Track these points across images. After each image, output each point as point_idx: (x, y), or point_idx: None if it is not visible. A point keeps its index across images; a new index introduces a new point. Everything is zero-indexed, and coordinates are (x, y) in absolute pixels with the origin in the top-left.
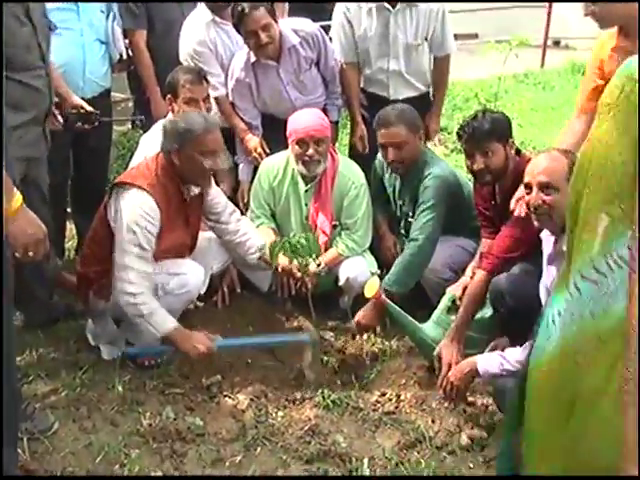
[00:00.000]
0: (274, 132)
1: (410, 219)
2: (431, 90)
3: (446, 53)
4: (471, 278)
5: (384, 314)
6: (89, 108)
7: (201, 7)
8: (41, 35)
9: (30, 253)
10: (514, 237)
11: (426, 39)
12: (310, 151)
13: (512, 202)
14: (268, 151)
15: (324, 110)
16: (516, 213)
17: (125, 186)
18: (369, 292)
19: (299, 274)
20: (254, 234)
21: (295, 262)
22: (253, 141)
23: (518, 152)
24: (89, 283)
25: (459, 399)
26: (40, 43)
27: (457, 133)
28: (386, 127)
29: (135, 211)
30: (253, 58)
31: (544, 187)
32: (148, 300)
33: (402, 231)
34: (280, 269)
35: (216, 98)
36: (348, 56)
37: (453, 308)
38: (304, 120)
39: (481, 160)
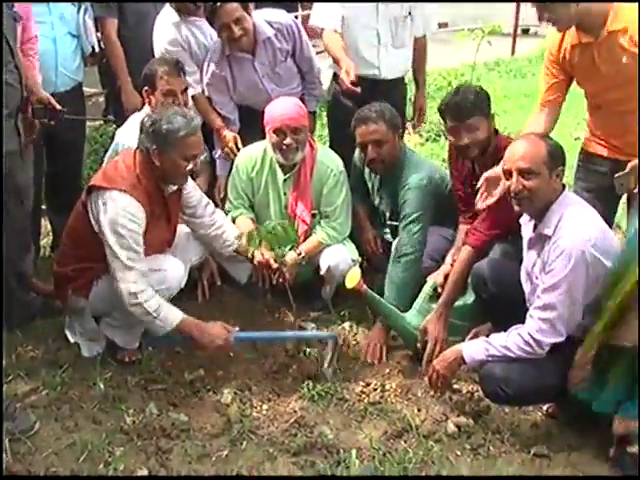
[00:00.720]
0: (251, 125)
1: (389, 221)
2: (409, 74)
3: (425, 33)
4: (451, 265)
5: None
6: (55, 104)
7: (168, 7)
8: (7, 29)
9: None
10: (497, 215)
11: (410, 14)
12: (287, 140)
13: (480, 186)
14: (241, 147)
15: (302, 100)
16: (479, 206)
17: (106, 190)
18: (350, 283)
19: (276, 265)
20: (229, 226)
21: (271, 253)
22: (229, 136)
23: (496, 132)
24: (67, 281)
25: (445, 388)
26: (7, 38)
27: (439, 110)
28: (366, 124)
29: (120, 214)
30: (228, 51)
31: (524, 172)
32: (152, 297)
33: (381, 223)
34: (256, 261)
35: (192, 96)
36: (331, 22)
37: (435, 296)
38: (280, 108)
39: (466, 135)
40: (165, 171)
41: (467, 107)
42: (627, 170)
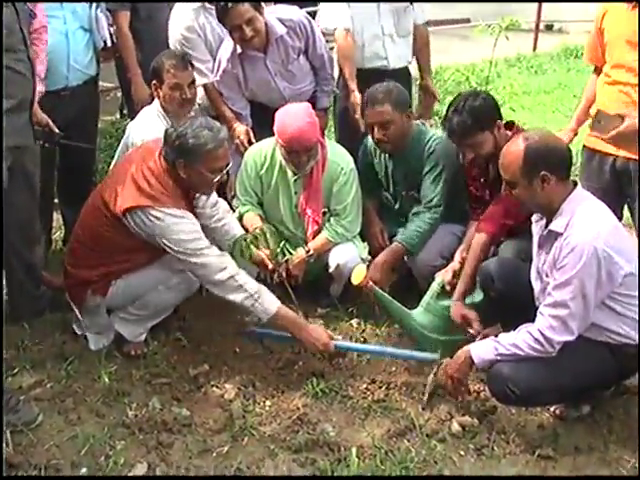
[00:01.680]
0: (263, 121)
1: (411, 193)
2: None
3: (425, 20)
4: (460, 263)
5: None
6: (54, 127)
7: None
8: (22, 20)
9: None
10: (510, 204)
11: (411, 3)
12: (300, 159)
13: None
14: (254, 141)
15: (314, 98)
16: None
17: (153, 208)
18: (356, 279)
19: (270, 265)
20: (230, 219)
21: (266, 252)
22: (240, 129)
23: (510, 126)
24: (89, 284)
25: (461, 392)
26: (22, 28)
27: (442, 125)
28: (372, 106)
29: (177, 229)
30: (239, 49)
31: (505, 182)
32: (248, 280)
33: (396, 209)
34: (252, 261)
35: (204, 85)
36: (342, 21)
37: (442, 293)
38: (290, 127)
39: (470, 151)
40: (191, 183)
41: (468, 129)
42: (613, 114)
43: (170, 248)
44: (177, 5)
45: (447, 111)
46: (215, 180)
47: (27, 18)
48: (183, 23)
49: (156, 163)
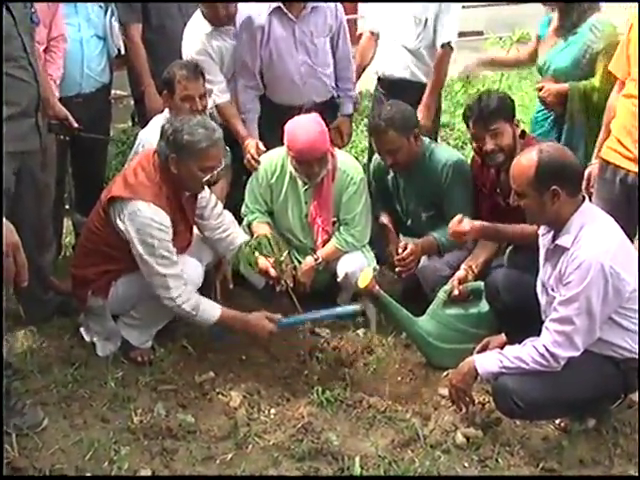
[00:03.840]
0: (274, 125)
1: (422, 210)
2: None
3: (446, 41)
4: (465, 272)
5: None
6: (73, 121)
7: (198, 16)
8: (22, 26)
9: None
10: None
11: (427, 20)
12: (311, 170)
13: None
14: (264, 149)
15: (335, 104)
16: None
17: (130, 200)
18: (362, 282)
19: (274, 273)
20: (235, 230)
21: (270, 261)
22: (251, 143)
23: (523, 135)
24: (87, 283)
25: (465, 402)
26: (20, 34)
27: (463, 115)
28: (377, 135)
29: (148, 225)
30: (275, 4)
31: (515, 193)
32: (189, 298)
33: (408, 225)
34: (257, 269)
35: (217, 105)
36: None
37: (449, 302)
38: (301, 138)
39: (491, 141)
40: (181, 179)
41: (490, 113)
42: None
43: (134, 247)
44: (188, 28)
45: (467, 104)
46: (204, 180)
47: (29, 24)
48: (193, 47)
49: (148, 158)
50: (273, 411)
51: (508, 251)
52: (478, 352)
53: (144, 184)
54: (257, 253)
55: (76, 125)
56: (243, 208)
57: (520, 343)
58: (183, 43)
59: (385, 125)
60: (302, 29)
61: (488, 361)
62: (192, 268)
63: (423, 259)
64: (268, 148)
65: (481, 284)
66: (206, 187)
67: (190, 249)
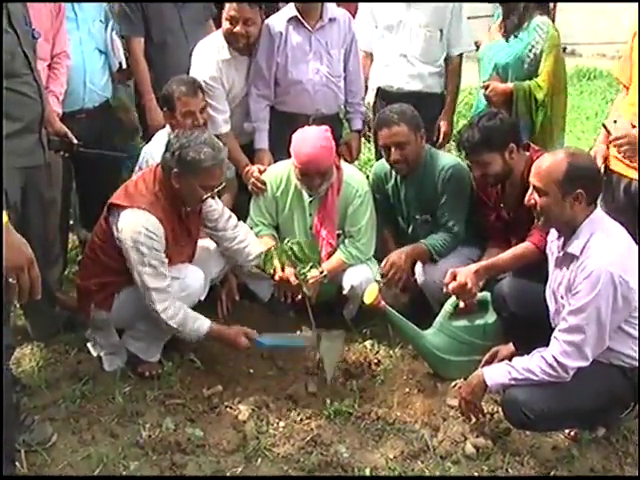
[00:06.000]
0: (284, 138)
1: (424, 217)
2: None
3: (459, 51)
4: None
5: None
6: (72, 138)
7: (218, 37)
8: (25, 42)
9: (11, 280)
10: None
11: (441, 31)
12: (313, 182)
13: None
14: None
15: (339, 119)
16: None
17: (125, 207)
18: (369, 299)
19: (296, 282)
20: (253, 241)
21: (292, 269)
22: (253, 167)
23: (528, 147)
24: (90, 295)
25: (475, 414)
26: (24, 50)
27: (455, 142)
28: (387, 127)
29: (140, 232)
30: (292, 13)
31: (535, 189)
32: (176, 313)
33: (409, 234)
34: (277, 277)
35: (219, 134)
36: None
37: (455, 314)
38: (306, 150)
39: (477, 170)
40: (182, 194)
41: (475, 146)
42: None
43: (128, 257)
44: (206, 48)
45: (459, 131)
46: (205, 197)
47: (30, 40)
48: (208, 72)
49: (151, 171)
50: (282, 424)
51: None
52: (487, 361)
53: (141, 193)
54: (285, 258)
55: (76, 141)
56: (248, 221)
57: (528, 352)
58: (194, 61)
59: (397, 117)
60: (318, 39)
61: (497, 373)
62: (193, 275)
63: (419, 268)
64: (274, 156)
65: (487, 295)
66: (218, 201)
67: (194, 262)
